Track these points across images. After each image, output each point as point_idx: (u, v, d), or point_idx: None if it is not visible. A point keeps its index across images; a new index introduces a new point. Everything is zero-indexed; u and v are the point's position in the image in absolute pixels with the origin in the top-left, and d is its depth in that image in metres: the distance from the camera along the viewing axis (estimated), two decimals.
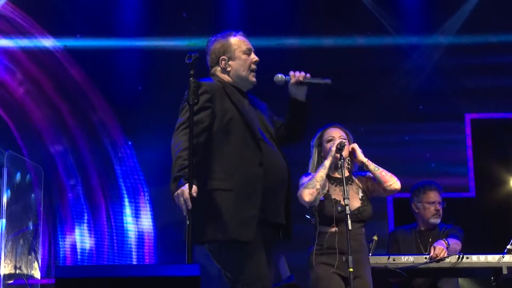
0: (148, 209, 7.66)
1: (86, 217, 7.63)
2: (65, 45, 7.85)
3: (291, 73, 4.63)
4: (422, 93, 7.83)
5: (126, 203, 7.67)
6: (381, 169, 5.18)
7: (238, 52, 4.60)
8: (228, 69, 4.61)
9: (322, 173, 5.02)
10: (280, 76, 4.63)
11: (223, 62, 4.61)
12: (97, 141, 7.75)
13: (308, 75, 4.61)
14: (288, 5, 7.99)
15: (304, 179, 5.11)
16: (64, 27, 7.89)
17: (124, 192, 7.70)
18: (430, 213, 6.32)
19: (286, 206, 4.52)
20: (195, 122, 4.24)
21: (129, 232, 7.63)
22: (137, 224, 7.65)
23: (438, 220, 6.33)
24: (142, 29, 7.99)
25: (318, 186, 4.96)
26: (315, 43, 7.95)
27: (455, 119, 7.79)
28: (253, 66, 4.62)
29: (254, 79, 4.63)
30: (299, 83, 4.60)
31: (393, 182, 5.17)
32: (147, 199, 7.65)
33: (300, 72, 4.62)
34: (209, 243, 4.38)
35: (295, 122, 4.69)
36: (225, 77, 4.61)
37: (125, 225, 7.65)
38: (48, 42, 7.83)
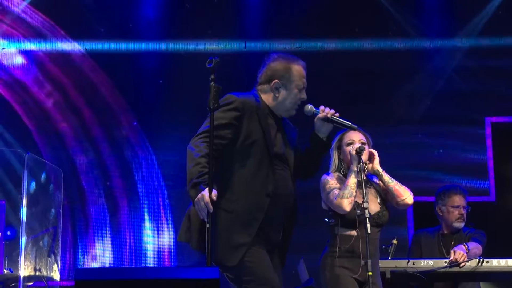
0: (169, 221, 7.67)
1: (107, 220, 7.66)
2: (86, 48, 7.87)
3: (322, 107, 4.63)
4: (442, 95, 7.80)
5: (146, 216, 7.69)
6: (395, 181, 5.12)
7: (294, 86, 4.56)
8: (277, 94, 4.56)
9: (354, 179, 4.97)
10: (310, 107, 4.64)
11: (275, 85, 4.56)
12: (117, 144, 7.77)
13: (337, 113, 4.62)
14: (306, 8, 7.97)
15: (330, 181, 5.05)
16: (84, 30, 7.91)
17: (144, 197, 7.72)
18: (454, 217, 6.30)
19: (284, 233, 4.53)
20: (216, 136, 4.24)
21: (148, 245, 7.65)
22: (157, 235, 7.66)
23: (462, 224, 6.31)
24: (160, 32, 7.99)
25: (354, 193, 4.94)
26: (335, 46, 7.93)
27: (476, 122, 7.75)
28: (298, 103, 4.61)
29: (293, 113, 4.63)
30: (326, 119, 4.61)
31: (406, 196, 5.11)
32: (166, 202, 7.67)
33: (330, 109, 4.62)
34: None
35: (310, 158, 4.69)
36: (268, 99, 4.58)
37: (144, 238, 7.67)
38: (68, 45, 7.86)
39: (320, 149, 4.69)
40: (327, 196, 5.00)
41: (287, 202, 4.50)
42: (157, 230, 7.66)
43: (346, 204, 4.90)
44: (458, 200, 6.30)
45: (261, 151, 4.42)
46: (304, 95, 4.60)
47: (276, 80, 4.55)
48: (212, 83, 4.19)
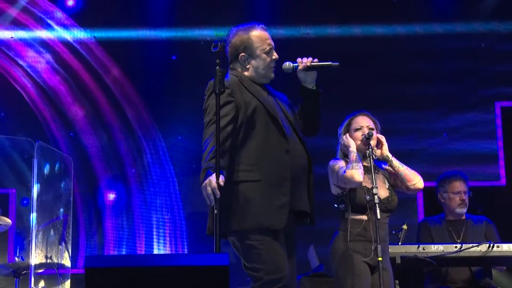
0: (180, 207, 7.68)
1: (119, 207, 7.68)
2: (94, 36, 7.88)
3: (299, 59, 4.60)
4: (452, 80, 7.77)
5: (157, 202, 7.71)
6: (404, 166, 5.12)
7: (259, 51, 4.58)
8: (248, 66, 4.60)
9: (355, 154, 4.98)
10: (287, 64, 4.61)
11: (242, 58, 4.59)
12: (126, 131, 7.77)
13: (315, 59, 4.59)
14: None
15: (338, 163, 5.05)
16: (93, 17, 7.91)
17: (155, 184, 7.73)
18: (455, 203, 6.32)
19: (308, 193, 4.54)
20: (221, 117, 4.26)
21: (160, 232, 7.67)
22: (169, 222, 7.68)
23: (464, 210, 6.33)
24: (170, 19, 7.99)
25: (361, 165, 4.93)
26: (342, 31, 7.90)
27: (485, 107, 7.72)
28: (273, 64, 4.61)
29: (272, 75, 4.64)
30: (306, 68, 4.58)
31: (417, 181, 5.11)
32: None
33: (307, 57, 4.60)
34: (234, 234, 4.40)
35: (307, 111, 4.68)
36: (244, 73, 4.60)
37: (156, 225, 7.69)
38: (77, 33, 7.86)
39: (313, 99, 4.66)
40: (337, 175, 4.99)
41: (302, 160, 4.52)
42: (169, 216, 7.67)
43: (358, 175, 4.89)
44: (459, 185, 6.32)
45: (264, 116, 4.45)
46: (275, 55, 4.61)
47: (242, 54, 4.58)
48: (217, 67, 4.21)
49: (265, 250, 4.33)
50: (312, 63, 4.57)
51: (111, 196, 7.66)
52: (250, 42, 4.57)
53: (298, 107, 4.71)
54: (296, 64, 4.60)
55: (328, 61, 4.58)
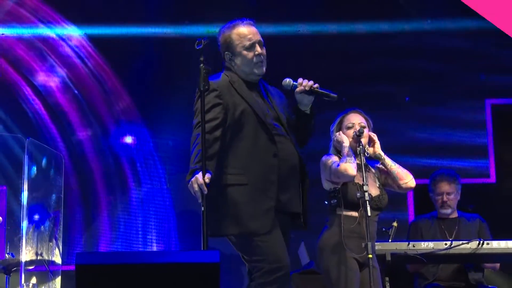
0: (171, 205, 7.68)
1: (109, 205, 7.68)
2: (85, 33, 7.86)
3: (300, 80, 4.58)
4: (442, 77, 7.77)
5: (148, 200, 7.70)
6: (397, 165, 5.14)
7: (240, 49, 4.57)
8: (233, 64, 4.60)
9: (347, 148, 4.99)
10: (288, 81, 4.60)
11: (227, 57, 4.61)
12: (115, 128, 7.76)
13: (316, 84, 4.57)
14: None
15: (331, 158, 5.06)
16: (83, 14, 7.89)
17: (147, 181, 7.72)
18: (438, 204, 6.38)
19: (301, 194, 4.54)
20: (209, 120, 4.29)
21: (152, 228, 7.67)
22: (160, 218, 7.68)
23: (447, 211, 6.37)
24: (160, 15, 7.97)
25: (354, 160, 4.94)
26: (338, 29, 7.90)
27: (476, 104, 7.73)
28: (257, 59, 4.58)
29: (260, 71, 4.60)
30: (305, 91, 4.57)
31: (408, 180, 5.13)
32: (169, 186, 7.68)
33: (309, 81, 4.57)
34: (228, 236, 4.42)
35: (299, 127, 4.69)
36: (234, 71, 4.61)
37: (149, 221, 7.69)
38: (67, 30, 7.85)
39: (306, 121, 4.66)
40: (330, 170, 4.99)
41: (293, 161, 4.51)
42: (160, 213, 7.67)
43: (351, 168, 4.90)
44: (442, 186, 6.37)
45: (252, 119, 4.46)
46: (258, 50, 4.57)
47: (226, 53, 4.61)
48: (201, 64, 4.22)
49: (264, 241, 4.35)
50: (312, 88, 4.56)
51: (102, 193, 7.65)
52: (230, 40, 4.58)
53: (293, 114, 4.70)
54: (296, 84, 4.58)
55: (328, 91, 4.56)
